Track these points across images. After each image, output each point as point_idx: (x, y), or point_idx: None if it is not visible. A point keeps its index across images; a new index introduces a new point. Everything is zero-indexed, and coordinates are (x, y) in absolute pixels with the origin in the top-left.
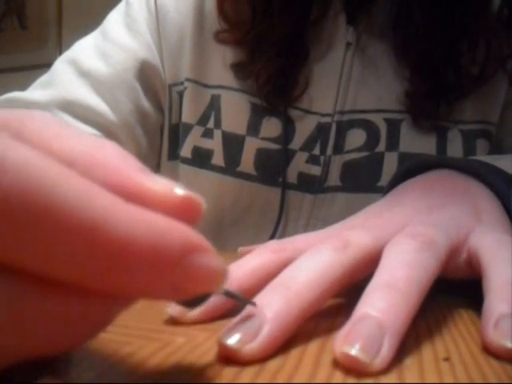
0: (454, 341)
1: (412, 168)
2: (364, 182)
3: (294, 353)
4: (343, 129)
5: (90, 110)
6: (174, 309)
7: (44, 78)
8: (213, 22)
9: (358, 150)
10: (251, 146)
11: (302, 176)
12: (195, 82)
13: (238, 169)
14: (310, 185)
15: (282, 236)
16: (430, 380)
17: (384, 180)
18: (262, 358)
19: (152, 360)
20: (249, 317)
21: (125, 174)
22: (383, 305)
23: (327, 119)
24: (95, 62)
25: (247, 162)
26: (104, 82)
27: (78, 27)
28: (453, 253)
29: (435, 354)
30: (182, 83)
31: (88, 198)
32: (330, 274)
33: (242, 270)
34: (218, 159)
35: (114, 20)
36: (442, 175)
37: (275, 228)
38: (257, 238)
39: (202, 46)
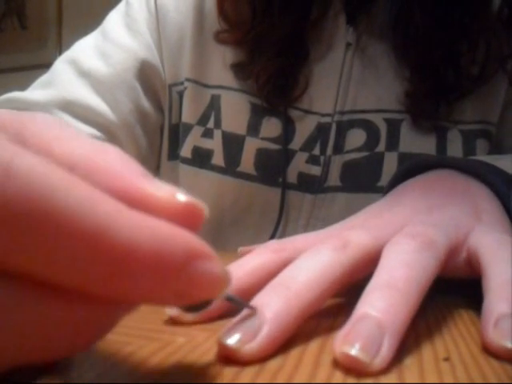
0: (454, 341)
1: (412, 168)
2: (364, 182)
3: (294, 353)
4: (343, 129)
5: (89, 110)
6: (173, 310)
7: (44, 78)
8: (213, 21)
9: (358, 150)
10: (251, 146)
11: (301, 176)
12: (195, 81)
13: (238, 169)
14: (310, 185)
15: (282, 236)
16: (430, 380)
17: (384, 180)
18: (262, 358)
19: (152, 360)
20: (249, 317)
21: (127, 180)
22: (383, 305)
23: (327, 119)
24: (95, 62)
25: (247, 162)
26: (104, 82)
27: (78, 27)
28: (452, 252)
29: (435, 353)
30: (181, 83)
31: (91, 204)
32: (329, 273)
33: (242, 269)
34: (218, 159)
35: (113, 20)
36: (442, 175)
37: (275, 228)
38: (257, 238)
39: (202, 45)
